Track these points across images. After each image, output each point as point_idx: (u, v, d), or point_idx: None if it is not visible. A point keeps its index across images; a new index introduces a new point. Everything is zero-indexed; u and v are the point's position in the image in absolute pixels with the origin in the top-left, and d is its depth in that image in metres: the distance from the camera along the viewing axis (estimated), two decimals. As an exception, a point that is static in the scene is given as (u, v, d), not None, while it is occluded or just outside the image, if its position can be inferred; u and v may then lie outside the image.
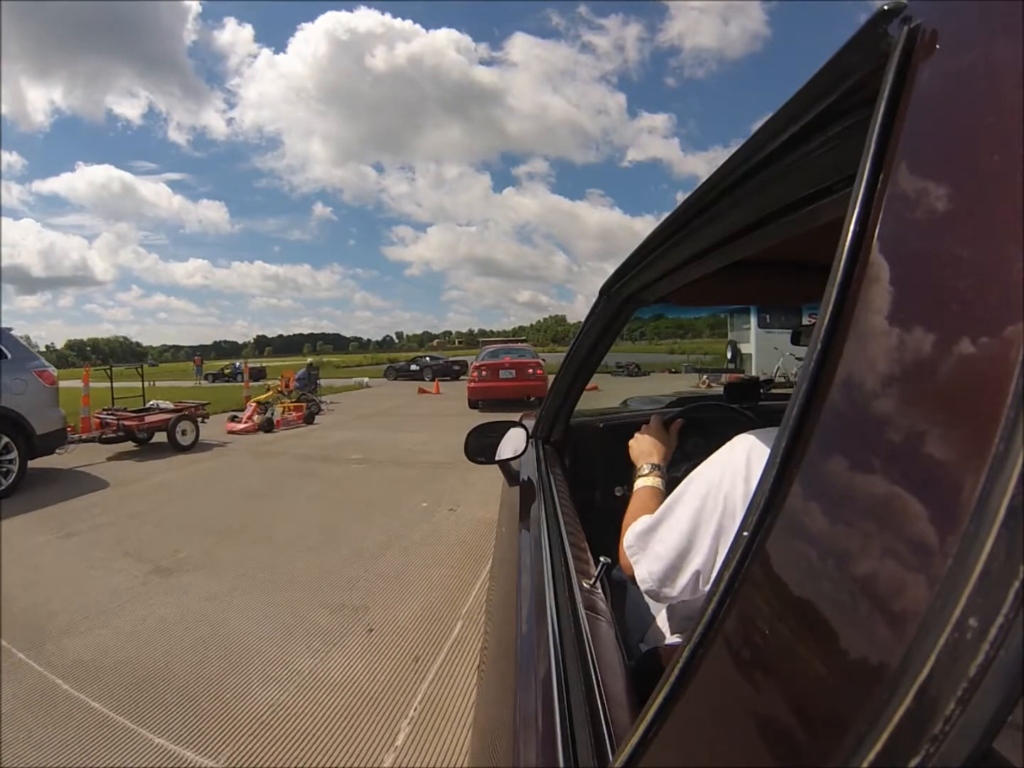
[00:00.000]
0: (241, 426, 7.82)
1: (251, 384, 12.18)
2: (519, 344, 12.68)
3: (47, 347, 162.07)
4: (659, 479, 0.90)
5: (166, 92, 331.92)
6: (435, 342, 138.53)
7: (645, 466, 0.94)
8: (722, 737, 0.27)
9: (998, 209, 0.20)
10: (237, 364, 25.10)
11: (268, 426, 7.88)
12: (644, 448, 0.99)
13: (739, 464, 0.63)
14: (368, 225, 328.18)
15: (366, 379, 18.94)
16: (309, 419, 8.60)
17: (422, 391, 14.31)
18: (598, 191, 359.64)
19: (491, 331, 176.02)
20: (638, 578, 0.70)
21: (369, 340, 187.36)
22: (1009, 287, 0.18)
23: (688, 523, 0.65)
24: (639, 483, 0.91)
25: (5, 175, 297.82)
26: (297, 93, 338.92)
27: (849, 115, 0.33)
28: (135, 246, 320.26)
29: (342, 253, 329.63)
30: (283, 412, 8.67)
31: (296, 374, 11.06)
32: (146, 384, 8.29)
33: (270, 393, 9.43)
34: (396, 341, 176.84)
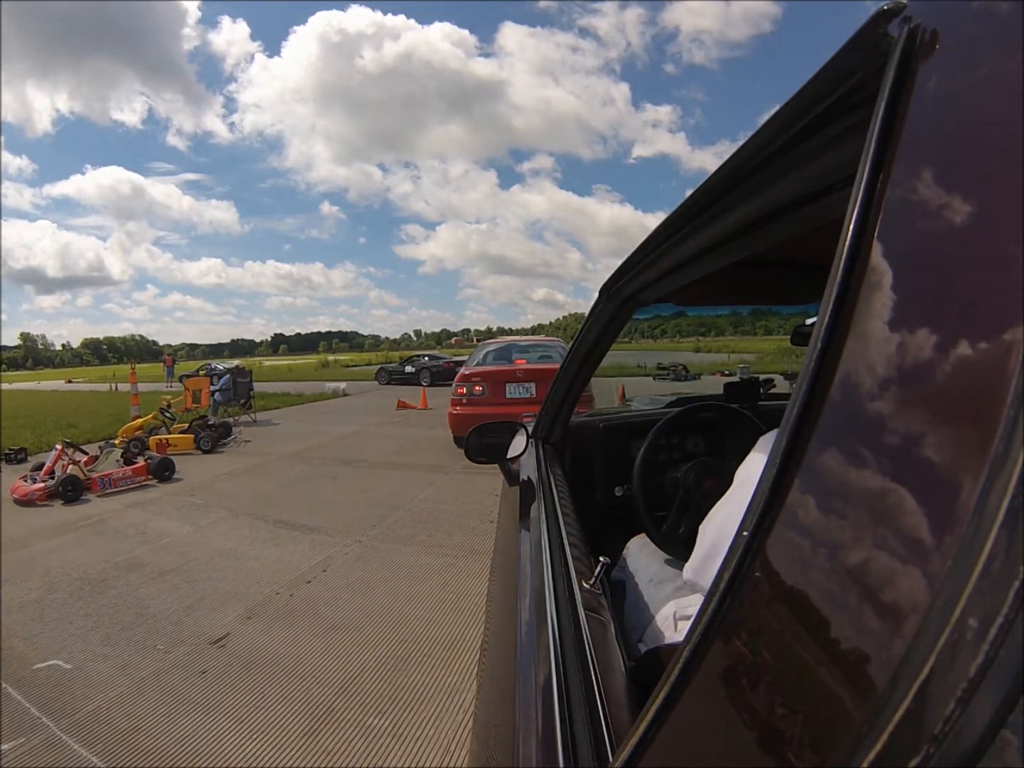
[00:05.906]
0: (31, 488, 4.54)
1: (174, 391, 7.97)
2: (543, 340, 7.72)
3: (63, 346, 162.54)
4: None
5: (168, 99, 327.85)
6: (453, 340, 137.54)
7: None
8: (722, 737, 0.27)
9: (998, 209, 0.19)
10: (213, 365, 21.47)
11: (72, 491, 4.51)
12: None
13: None
14: (377, 223, 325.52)
15: (343, 385, 14.87)
16: (161, 470, 5.05)
17: (403, 405, 10.29)
18: (605, 186, 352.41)
19: (510, 329, 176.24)
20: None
21: (386, 338, 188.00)
22: (1009, 288, 0.18)
23: (726, 513, 0.68)
24: None
25: (17, 179, 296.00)
26: (293, 95, 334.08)
27: (849, 115, 0.33)
28: (148, 245, 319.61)
29: (354, 251, 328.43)
30: (122, 459, 5.18)
31: (217, 382, 8.05)
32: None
33: (151, 416, 6.56)
34: (414, 339, 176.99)
